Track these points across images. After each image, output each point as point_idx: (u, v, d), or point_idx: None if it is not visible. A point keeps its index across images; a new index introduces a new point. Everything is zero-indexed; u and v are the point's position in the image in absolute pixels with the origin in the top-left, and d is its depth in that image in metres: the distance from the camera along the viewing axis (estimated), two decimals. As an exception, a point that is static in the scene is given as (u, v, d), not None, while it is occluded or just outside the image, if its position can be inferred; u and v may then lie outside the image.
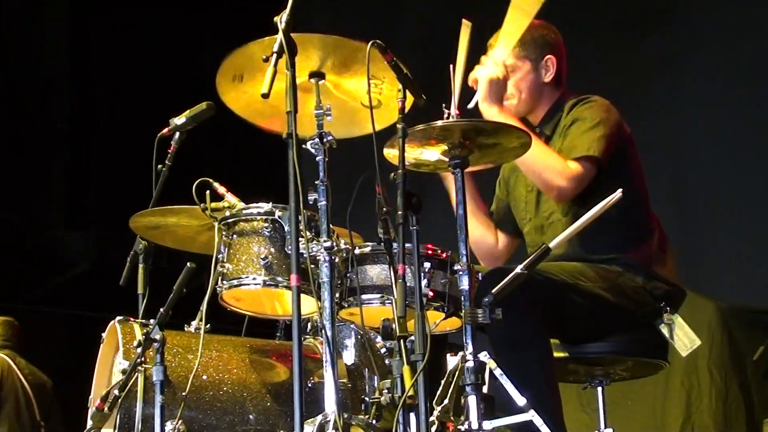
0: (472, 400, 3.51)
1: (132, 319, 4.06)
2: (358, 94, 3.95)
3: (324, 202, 3.67)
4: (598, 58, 6.92)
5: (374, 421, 3.56)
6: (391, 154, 3.66)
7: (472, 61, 4.35)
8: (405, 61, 3.68)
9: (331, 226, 3.68)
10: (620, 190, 3.90)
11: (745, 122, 6.34)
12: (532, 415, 3.63)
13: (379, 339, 4.07)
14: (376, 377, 4.04)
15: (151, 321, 3.80)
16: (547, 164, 4.25)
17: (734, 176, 6.35)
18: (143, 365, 3.77)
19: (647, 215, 4.49)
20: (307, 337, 4.18)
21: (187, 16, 8.07)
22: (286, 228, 3.82)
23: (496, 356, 3.96)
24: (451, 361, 3.75)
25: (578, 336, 4.25)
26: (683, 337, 4.30)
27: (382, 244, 3.56)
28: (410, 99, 3.65)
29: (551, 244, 3.79)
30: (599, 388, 4.39)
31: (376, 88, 3.86)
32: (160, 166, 4.54)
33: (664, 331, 4.29)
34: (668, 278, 4.37)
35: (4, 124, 7.43)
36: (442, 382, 3.73)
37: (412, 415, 3.33)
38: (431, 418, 3.55)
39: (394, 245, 3.49)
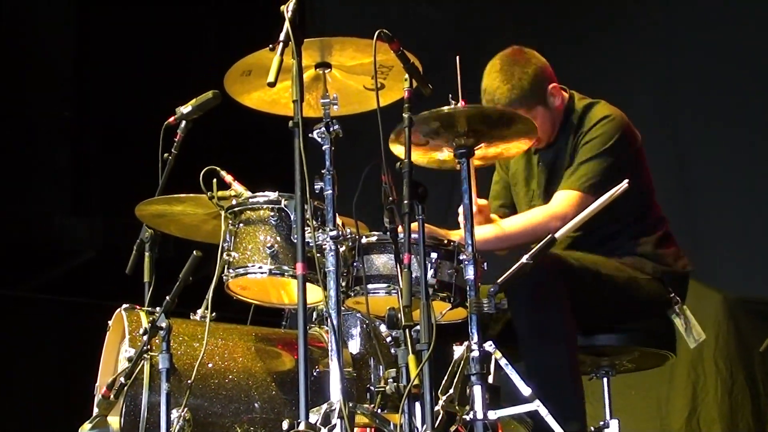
0: (477, 390, 3.50)
1: (138, 307, 4.07)
2: (361, 78, 3.97)
3: (330, 191, 3.67)
4: (600, 48, 6.92)
5: (379, 410, 3.56)
6: (397, 149, 3.68)
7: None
8: (414, 53, 3.70)
9: (337, 215, 3.68)
10: (626, 181, 3.91)
11: (752, 114, 6.33)
12: (537, 405, 3.63)
13: (384, 328, 4.07)
14: (381, 366, 4.04)
15: (157, 309, 3.80)
16: (534, 227, 4.24)
17: (741, 168, 6.34)
18: (149, 353, 3.78)
19: (655, 207, 4.51)
20: (313, 325, 4.18)
21: (193, 4, 8.06)
22: (292, 217, 3.82)
23: (521, 345, 3.97)
24: (457, 350, 3.75)
25: (592, 324, 4.25)
26: (692, 330, 4.30)
27: (388, 233, 3.55)
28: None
29: (557, 234, 3.79)
30: (605, 379, 4.39)
31: (381, 75, 3.86)
32: (166, 155, 4.54)
33: (676, 321, 4.30)
34: (677, 266, 4.39)
35: (9, 112, 7.42)
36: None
37: (417, 405, 3.34)
38: (436, 408, 3.55)
39: (400, 235, 3.49)
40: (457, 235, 4.08)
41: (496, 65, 4.47)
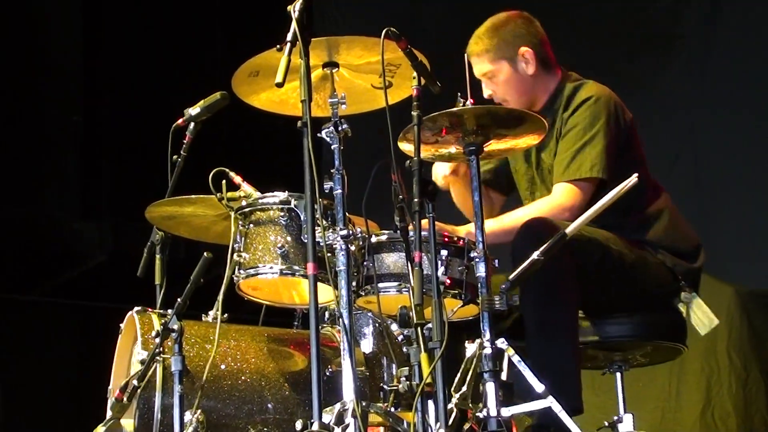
0: (490, 387, 3.50)
1: (150, 309, 4.07)
2: (369, 77, 3.96)
3: (339, 191, 3.67)
4: (619, 39, 6.90)
5: (392, 409, 3.56)
6: (406, 147, 3.67)
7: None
8: (422, 51, 3.69)
9: (347, 214, 3.68)
10: (635, 175, 3.88)
11: (765, 107, 6.31)
12: (550, 402, 3.62)
13: (396, 327, 4.06)
14: (393, 365, 4.04)
15: (169, 311, 3.81)
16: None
17: (754, 161, 6.33)
18: (162, 355, 3.78)
19: (655, 195, 4.46)
20: (325, 325, 4.17)
21: (199, 6, 8.07)
22: (302, 217, 3.82)
23: (527, 340, 3.96)
24: (470, 348, 3.74)
25: (599, 306, 4.23)
26: (702, 317, 4.27)
27: (399, 231, 3.55)
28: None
29: (567, 230, 3.77)
30: (618, 374, 4.38)
31: (389, 73, 3.86)
32: (175, 157, 4.54)
33: (682, 309, 4.27)
34: (689, 255, 4.36)
35: (18, 116, 7.44)
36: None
37: (431, 403, 3.34)
38: (449, 406, 3.54)
39: (411, 233, 3.48)
40: (464, 230, 4.07)
41: (486, 22, 4.52)
